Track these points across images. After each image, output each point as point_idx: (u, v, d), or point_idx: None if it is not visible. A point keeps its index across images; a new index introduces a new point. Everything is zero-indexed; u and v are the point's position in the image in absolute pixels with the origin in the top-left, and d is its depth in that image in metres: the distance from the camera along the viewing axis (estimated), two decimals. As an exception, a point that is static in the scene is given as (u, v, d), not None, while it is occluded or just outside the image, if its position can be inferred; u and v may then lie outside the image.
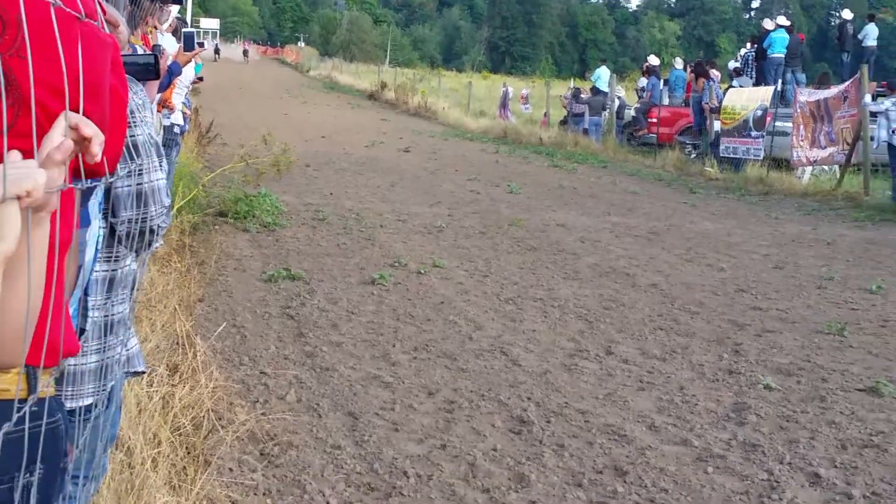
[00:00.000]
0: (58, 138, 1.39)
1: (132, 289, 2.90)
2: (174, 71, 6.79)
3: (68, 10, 1.61)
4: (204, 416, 5.25)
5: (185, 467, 4.57)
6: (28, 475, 1.94)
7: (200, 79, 11.81)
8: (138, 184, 2.70)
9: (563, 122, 30.19)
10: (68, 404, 2.54)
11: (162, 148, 2.93)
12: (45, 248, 1.46)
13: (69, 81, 1.48)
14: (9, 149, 1.32)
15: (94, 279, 2.64)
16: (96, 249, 2.47)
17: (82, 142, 1.44)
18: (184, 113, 10.04)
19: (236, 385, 6.16)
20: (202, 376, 5.66)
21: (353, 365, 6.82)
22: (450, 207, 14.72)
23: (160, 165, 2.78)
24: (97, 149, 1.45)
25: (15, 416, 1.36)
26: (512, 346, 7.47)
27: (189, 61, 7.22)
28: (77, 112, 1.61)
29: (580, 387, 6.54)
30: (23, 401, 1.67)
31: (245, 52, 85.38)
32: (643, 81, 30.59)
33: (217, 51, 74.45)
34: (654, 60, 30.85)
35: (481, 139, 28.57)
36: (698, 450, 5.45)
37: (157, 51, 5.88)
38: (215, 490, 4.47)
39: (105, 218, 2.59)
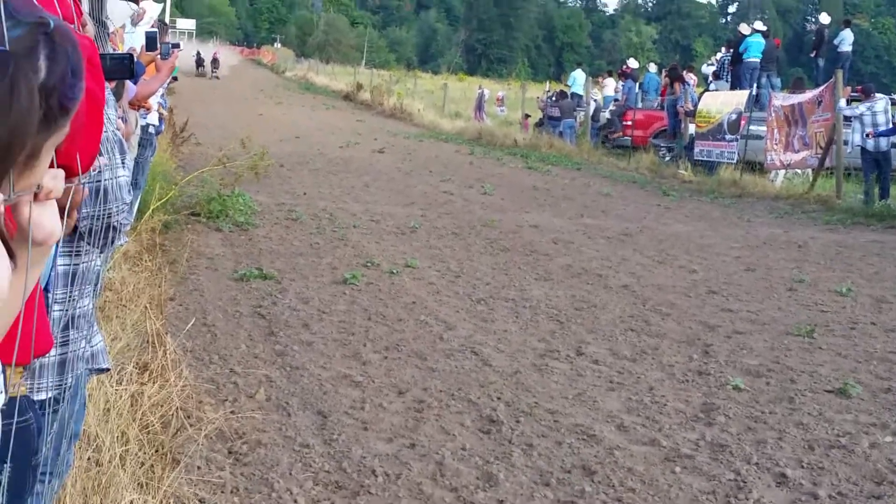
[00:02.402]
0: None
1: (96, 285, 2.89)
2: (137, 72, 6.77)
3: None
4: (173, 415, 5.23)
5: (153, 465, 4.55)
6: None
7: (175, 79, 11.78)
8: (98, 180, 2.69)
9: (539, 125, 30.28)
10: (26, 398, 2.53)
11: (126, 145, 2.92)
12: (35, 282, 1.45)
13: None
14: None
15: (56, 273, 2.63)
16: (57, 244, 2.47)
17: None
18: (160, 113, 10.02)
19: (206, 384, 6.15)
20: (172, 375, 5.65)
21: (323, 364, 6.82)
22: (423, 208, 14.71)
23: (122, 163, 2.76)
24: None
25: None
26: (483, 346, 7.47)
27: (152, 61, 7.20)
28: None
29: (550, 387, 6.55)
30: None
31: (214, 62, 62.57)
32: (609, 83, 30.99)
33: (200, 62, 62.16)
34: (633, 63, 31.02)
35: (456, 141, 28.57)
36: (666, 450, 5.47)
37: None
38: (183, 488, 4.46)
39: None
